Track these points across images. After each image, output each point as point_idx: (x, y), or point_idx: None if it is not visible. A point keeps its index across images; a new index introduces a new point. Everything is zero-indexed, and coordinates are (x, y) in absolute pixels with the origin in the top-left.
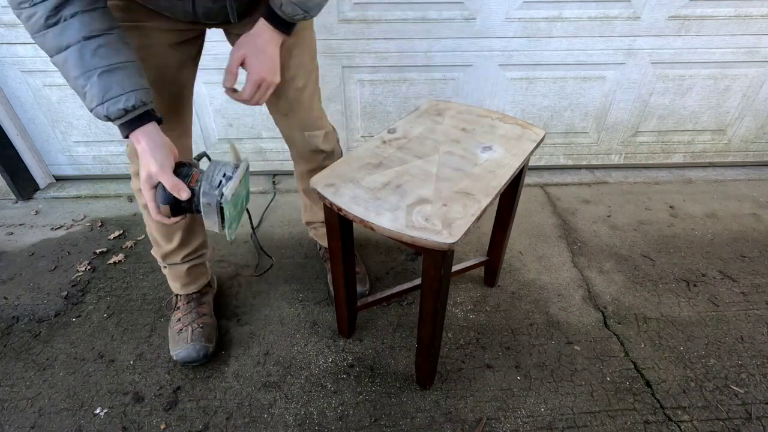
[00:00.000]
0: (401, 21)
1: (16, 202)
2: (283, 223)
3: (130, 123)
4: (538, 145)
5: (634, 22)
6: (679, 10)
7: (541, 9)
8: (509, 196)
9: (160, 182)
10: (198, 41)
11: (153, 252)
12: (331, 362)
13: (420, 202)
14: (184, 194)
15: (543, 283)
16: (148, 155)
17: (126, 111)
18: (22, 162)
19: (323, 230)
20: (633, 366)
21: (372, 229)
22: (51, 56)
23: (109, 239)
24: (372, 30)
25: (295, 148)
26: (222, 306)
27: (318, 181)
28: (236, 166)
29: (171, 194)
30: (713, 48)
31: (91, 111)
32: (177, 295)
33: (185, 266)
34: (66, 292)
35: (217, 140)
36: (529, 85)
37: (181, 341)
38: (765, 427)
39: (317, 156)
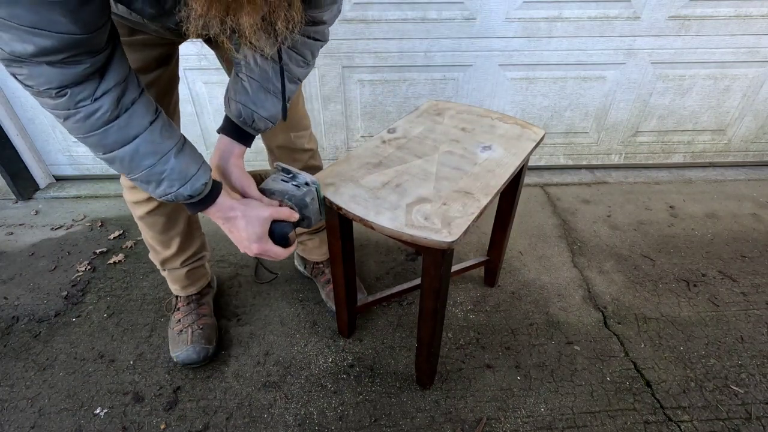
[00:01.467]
0: (401, 21)
1: (16, 202)
2: None
3: (208, 195)
4: (537, 145)
5: (634, 22)
6: (679, 10)
7: (541, 9)
8: (509, 195)
9: (271, 227)
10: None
11: (151, 257)
12: (331, 362)
13: (419, 201)
14: (295, 215)
15: (543, 283)
16: (242, 220)
17: (206, 184)
18: (22, 162)
19: (312, 242)
20: (633, 366)
21: (372, 228)
22: (110, 152)
23: (109, 239)
24: (372, 30)
25: (281, 150)
26: (222, 306)
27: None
28: (278, 168)
29: (288, 225)
30: (713, 48)
31: (165, 197)
32: (177, 296)
33: (184, 270)
34: (66, 292)
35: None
36: (529, 85)
37: (181, 343)
38: (765, 427)
39: (302, 156)
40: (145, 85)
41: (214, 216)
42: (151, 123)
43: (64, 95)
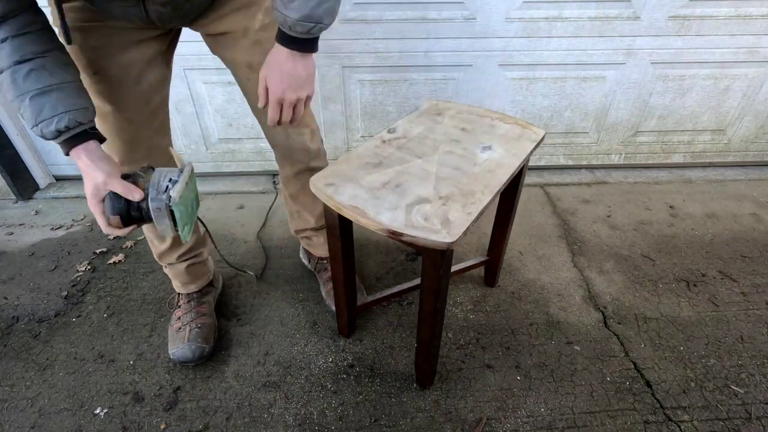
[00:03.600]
0: (401, 21)
1: (16, 202)
2: (283, 223)
3: (68, 142)
4: (537, 145)
5: (634, 22)
6: (679, 10)
7: (541, 9)
8: (509, 196)
9: (107, 194)
10: (166, 38)
11: (153, 251)
12: (331, 362)
13: (419, 201)
14: (137, 195)
15: (543, 283)
16: (93, 167)
17: (59, 132)
18: (22, 162)
19: (318, 239)
20: (633, 366)
21: (371, 228)
22: None
23: (109, 239)
24: (372, 30)
25: (280, 149)
26: (222, 306)
27: (317, 180)
28: (181, 171)
29: (119, 204)
30: (713, 48)
31: (31, 130)
32: (179, 294)
33: (183, 265)
34: (66, 292)
35: (218, 140)
36: (529, 85)
37: (179, 340)
38: (765, 427)
39: (304, 155)
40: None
41: (78, 166)
42: (18, 63)
43: None
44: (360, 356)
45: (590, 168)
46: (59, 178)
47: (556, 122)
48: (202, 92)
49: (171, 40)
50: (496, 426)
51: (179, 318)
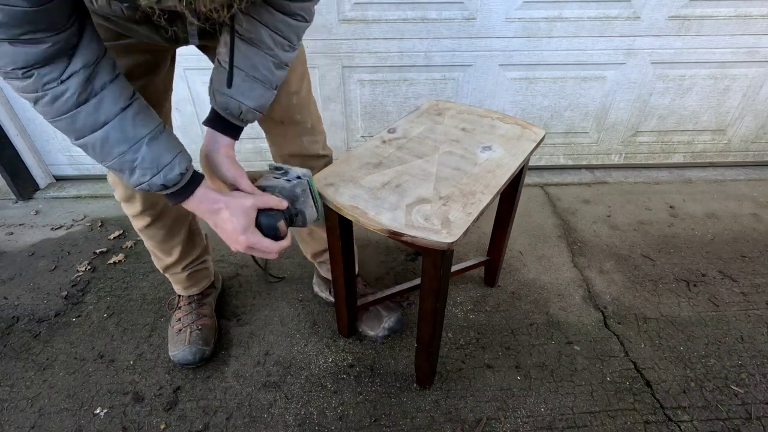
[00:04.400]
0: (401, 21)
1: (16, 202)
2: None
3: (190, 184)
4: (537, 145)
5: (634, 22)
6: (679, 10)
7: (541, 9)
8: (509, 196)
9: (258, 218)
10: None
11: (154, 261)
12: (331, 362)
13: (419, 201)
14: (284, 203)
15: (543, 283)
16: (230, 199)
17: (182, 174)
18: (22, 162)
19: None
20: (633, 366)
21: (372, 228)
22: (81, 137)
23: (109, 239)
24: (372, 30)
25: (289, 162)
26: (222, 306)
27: (317, 181)
28: (273, 169)
29: (277, 214)
30: (713, 48)
31: (139, 186)
32: (179, 296)
33: (186, 273)
34: (66, 292)
35: None
36: (529, 85)
37: (179, 342)
38: (765, 427)
39: (317, 162)
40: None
41: (196, 209)
42: (123, 109)
43: (31, 76)
44: (360, 356)
45: (590, 168)
46: (59, 178)
47: (556, 122)
48: (202, 92)
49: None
50: (496, 426)
51: (179, 319)
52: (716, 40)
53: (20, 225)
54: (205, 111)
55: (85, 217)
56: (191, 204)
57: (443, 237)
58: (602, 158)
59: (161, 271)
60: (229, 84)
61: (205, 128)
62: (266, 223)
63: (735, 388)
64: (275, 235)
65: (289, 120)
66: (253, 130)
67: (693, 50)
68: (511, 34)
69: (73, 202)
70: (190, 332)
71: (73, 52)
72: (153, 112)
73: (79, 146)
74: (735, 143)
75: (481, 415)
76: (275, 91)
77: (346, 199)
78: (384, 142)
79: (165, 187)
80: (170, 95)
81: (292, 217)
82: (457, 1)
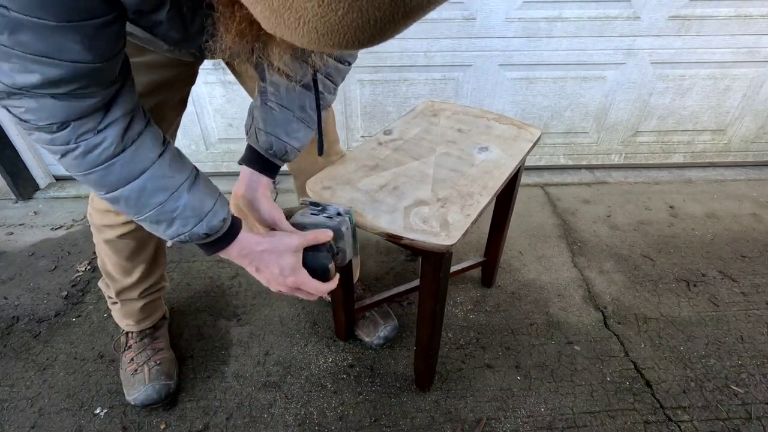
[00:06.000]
0: None
1: (16, 202)
2: None
3: (228, 232)
4: (534, 145)
5: (634, 22)
6: (679, 10)
7: (541, 9)
8: (506, 196)
9: (305, 259)
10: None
11: (101, 286)
12: (331, 362)
13: (417, 203)
14: (330, 233)
15: (543, 283)
16: (275, 240)
17: (224, 220)
18: (22, 162)
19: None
20: (633, 366)
21: (370, 231)
22: (113, 190)
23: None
24: None
25: (305, 176)
26: (222, 306)
27: (314, 184)
28: (306, 204)
29: (325, 251)
30: (713, 48)
31: (177, 238)
32: (127, 333)
33: (141, 303)
34: (66, 292)
35: (218, 140)
36: (529, 85)
37: (138, 383)
38: (765, 427)
39: None
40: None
41: (236, 256)
42: (160, 155)
43: (65, 128)
44: (360, 356)
45: (590, 168)
46: (59, 178)
47: (556, 122)
48: (202, 92)
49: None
50: (496, 426)
51: (132, 359)
52: (716, 40)
53: (20, 225)
54: (205, 111)
55: (85, 217)
56: (232, 250)
57: (442, 239)
58: (602, 158)
59: (112, 299)
60: (320, 152)
61: (241, 168)
62: (317, 264)
63: (735, 388)
64: (324, 276)
65: None
66: None
67: (693, 50)
68: (511, 34)
69: (73, 202)
70: (149, 369)
71: (112, 101)
72: (184, 155)
73: (109, 200)
74: (735, 143)
75: (481, 415)
76: (310, 136)
77: (344, 202)
78: (380, 144)
79: (208, 235)
80: (182, 111)
81: (333, 255)
82: (457, 1)
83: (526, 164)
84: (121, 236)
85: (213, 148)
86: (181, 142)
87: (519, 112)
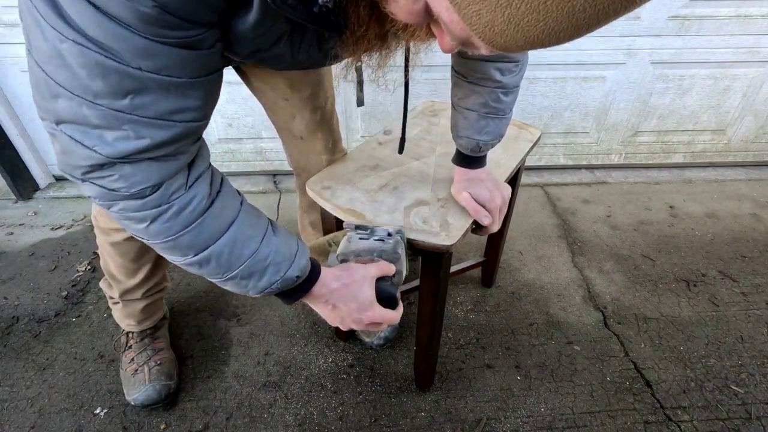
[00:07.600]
0: None
1: (16, 202)
2: (282, 222)
3: (312, 272)
4: (534, 145)
5: (634, 22)
6: (679, 10)
7: None
8: None
9: (377, 287)
10: None
11: (103, 286)
12: (331, 362)
13: (417, 203)
14: (395, 265)
15: (543, 283)
16: (347, 289)
17: (309, 258)
18: (22, 162)
19: None
20: (633, 366)
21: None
22: (204, 249)
23: None
24: None
25: (308, 174)
26: (222, 306)
27: (314, 184)
28: (350, 227)
29: (390, 288)
30: (713, 48)
31: (269, 289)
32: (128, 333)
33: (143, 303)
34: (66, 292)
35: (218, 140)
36: (529, 85)
37: (138, 383)
38: (765, 427)
39: None
40: None
41: (317, 296)
42: (242, 203)
43: (158, 189)
44: (360, 356)
45: (590, 168)
46: (59, 178)
47: (556, 122)
48: None
49: None
50: (496, 426)
51: (132, 360)
52: (716, 40)
53: (20, 225)
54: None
55: (85, 217)
56: (317, 291)
57: (442, 239)
58: (602, 158)
59: (113, 299)
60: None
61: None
62: (385, 294)
63: (735, 388)
64: (392, 305)
65: (310, 136)
66: (252, 130)
67: (693, 50)
68: None
69: (73, 202)
70: (149, 369)
71: (197, 153)
72: (256, 208)
73: (197, 263)
74: (735, 143)
75: (481, 415)
76: (509, 116)
77: (344, 202)
78: (380, 143)
79: (299, 278)
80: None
81: (391, 279)
82: None
83: (526, 164)
84: (128, 239)
85: (213, 148)
86: None
87: (519, 111)
